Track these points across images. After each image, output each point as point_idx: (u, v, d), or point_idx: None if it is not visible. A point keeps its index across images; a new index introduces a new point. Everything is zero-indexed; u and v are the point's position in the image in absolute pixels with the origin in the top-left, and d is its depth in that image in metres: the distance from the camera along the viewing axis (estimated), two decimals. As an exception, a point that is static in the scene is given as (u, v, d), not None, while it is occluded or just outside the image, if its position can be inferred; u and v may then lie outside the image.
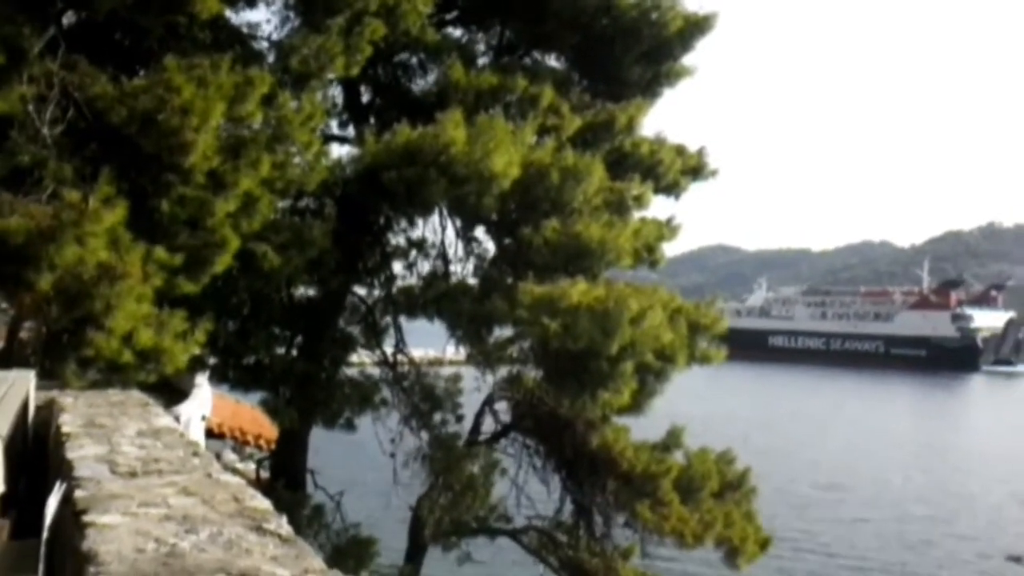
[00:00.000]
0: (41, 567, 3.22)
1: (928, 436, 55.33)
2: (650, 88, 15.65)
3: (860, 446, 48.00)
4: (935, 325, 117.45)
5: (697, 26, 14.99)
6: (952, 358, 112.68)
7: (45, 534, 3.29)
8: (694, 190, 16.64)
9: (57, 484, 3.48)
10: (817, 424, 56.56)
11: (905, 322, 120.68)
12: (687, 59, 15.61)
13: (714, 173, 16.70)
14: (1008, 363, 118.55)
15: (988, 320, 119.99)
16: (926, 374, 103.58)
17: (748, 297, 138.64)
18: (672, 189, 16.06)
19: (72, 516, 2.98)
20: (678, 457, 13.99)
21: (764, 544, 14.01)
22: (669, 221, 15.49)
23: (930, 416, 69.58)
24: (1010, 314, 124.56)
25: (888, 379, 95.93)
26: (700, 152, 16.54)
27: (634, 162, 15.17)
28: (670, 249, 15.90)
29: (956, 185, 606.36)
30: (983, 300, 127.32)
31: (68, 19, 10.48)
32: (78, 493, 3.18)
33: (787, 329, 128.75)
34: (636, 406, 12.95)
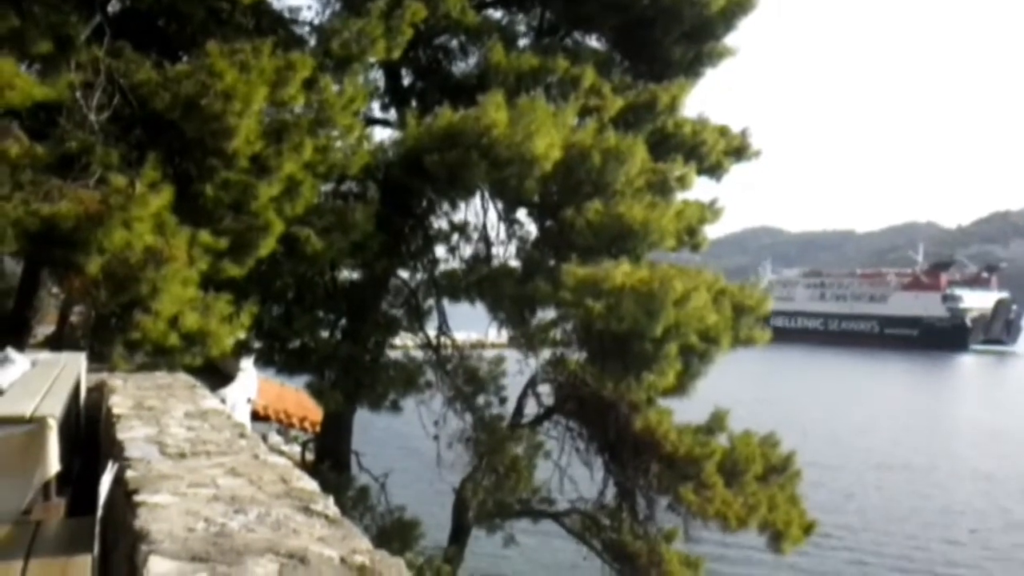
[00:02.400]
0: (96, 544, 3.27)
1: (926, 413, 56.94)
2: (692, 68, 15.48)
3: (866, 424, 49.09)
4: (926, 305, 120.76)
5: (739, 5, 14.78)
6: (942, 337, 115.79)
7: (100, 512, 3.34)
8: (737, 171, 16.50)
9: (110, 464, 3.53)
10: (827, 403, 57.54)
11: (898, 303, 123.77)
12: (729, 39, 15.43)
13: (757, 154, 16.51)
14: (999, 342, 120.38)
15: (977, 301, 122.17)
16: (918, 353, 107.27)
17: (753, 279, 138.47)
18: (715, 170, 15.91)
19: (124, 495, 3.02)
20: (722, 440, 13.89)
21: (808, 528, 13.87)
22: (712, 203, 15.34)
23: (925, 392, 72.36)
24: (999, 295, 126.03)
25: (883, 358, 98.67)
26: (743, 133, 16.36)
27: (676, 143, 15.04)
28: (713, 231, 15.76)
29: (1004, 165, 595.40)
30: (976, 281, 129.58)
31: (113, 7, 10.60)
32: (129, 473, 3.23)
33: (788, 310, 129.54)
34: (680, 388, 12.87)
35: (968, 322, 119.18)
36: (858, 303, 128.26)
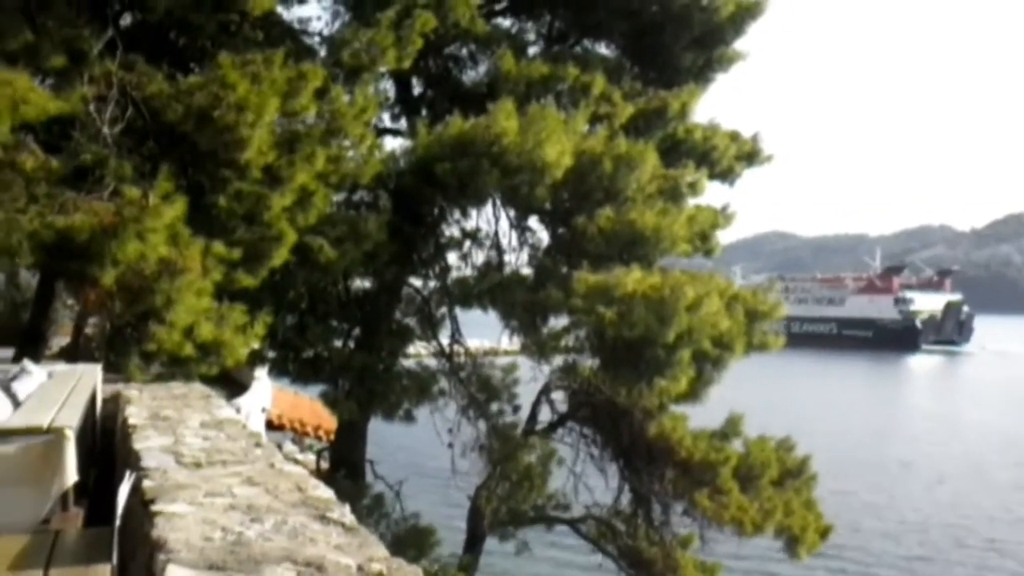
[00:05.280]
0: (115, 554, 3.29)
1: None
2: (702, 74, 15.49)
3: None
4: (880, 308, 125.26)
5: (748, 11, 14.81)
6: (894, 338, 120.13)
7: (117, 522, 3.36)
8: (749, 176, 16.47)
9: (128, 474, 3.55)
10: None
11: (854, 305, 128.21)
12: (739, 44, 15.45)
13: (769, 159, 16.48)
14: (951, 343, 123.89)
15: (928, 303, 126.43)
16: (872, 353, 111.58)
17: None
18: (727, 175, 15.89)
19: (141, 505, 3.04)
20: (737, 445, 13.85)
21: (825, 533, 13.82)
22: (724, 208, 15.33)
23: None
24: (948, 297, 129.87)
25: (840, 358, 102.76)
26: (755, 137, 16.35)
27: (688, 149, 15.03)
28: (725, 236, 15.75)
29: (1018, 167, 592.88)
30: (930, 285, 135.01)
31: (125, 20, 10.66)
32: (146, 483, 3.25)
33: None
34: (693, 394, 12.85)
35: (918, 323, 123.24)
36: (818, 306, 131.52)
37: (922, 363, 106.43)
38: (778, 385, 68.78)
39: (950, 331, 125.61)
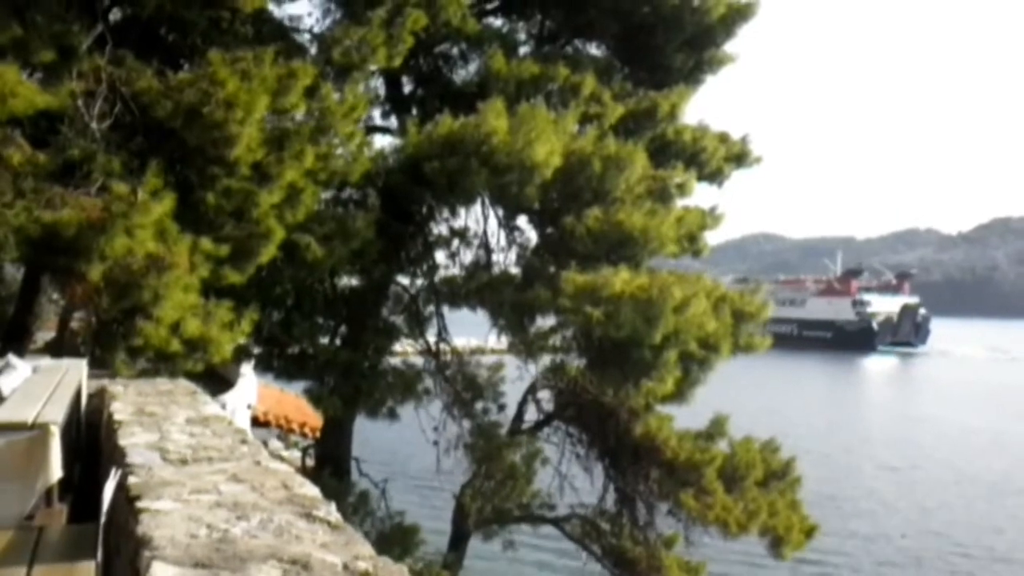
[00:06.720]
0: (99, 551, 3.29)
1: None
2: (692, 75, 15.51)
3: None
4: (838, 310, 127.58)
5: (739, 12, 14.84)
6: (852, 339, 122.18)
7: (102, 519, 3.36)
8: (737, 178, 16.52)
9: (113, 470, 3.55)
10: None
11: (814, 307, 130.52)
12: (729, 46, 15.49)
13: (757, 160, 16.52)
14: (908, 344, 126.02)
15: (885, 305, 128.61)
16: (830, 353, 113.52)
17: None
18: (715, 177, 15.93)
19: (126, 502, 3.04)
20: (722, 446, 13.89)
21: (809, 533, 13.88)
22: (712, 209, 15.34)
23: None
24: (906, 300, 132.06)
25: (800, 358, 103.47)
26: (743, 139, 16.38)
27: (677, 150, 15.05)
28: (713, 237, 15.78)
29: (1004, 171, 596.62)
30: (889, 288, 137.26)
31: (115, 16, 10.63)
32: (131, 479, 3.24)
33: None
34: (679, 395, 12.89)
35: (875, 325, 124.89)
36: (781, 308, 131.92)
37: (875, 364, 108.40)
38: (740, 384, 69.91)
39: (906, 333, 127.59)
